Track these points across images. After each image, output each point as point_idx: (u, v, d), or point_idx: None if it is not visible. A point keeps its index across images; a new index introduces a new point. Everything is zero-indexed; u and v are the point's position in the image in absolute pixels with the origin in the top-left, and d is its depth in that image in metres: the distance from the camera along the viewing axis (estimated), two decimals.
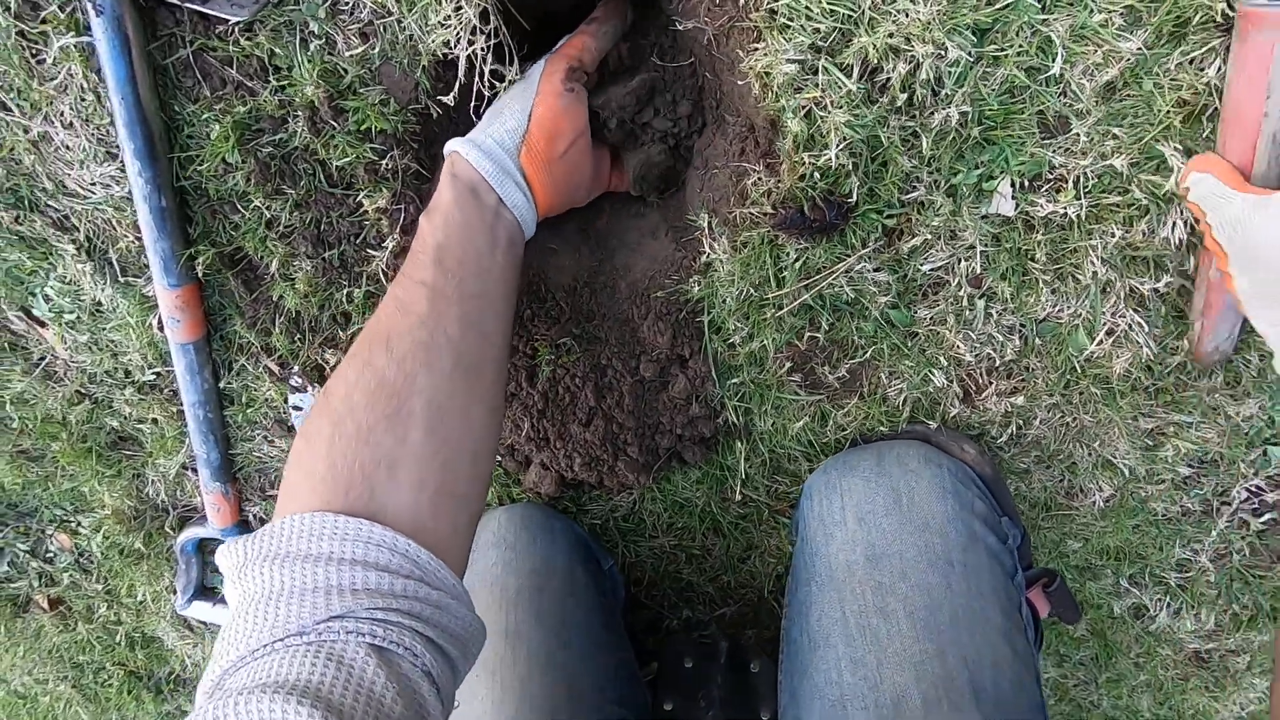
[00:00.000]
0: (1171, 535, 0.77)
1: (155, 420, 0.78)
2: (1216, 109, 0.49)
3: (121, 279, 0.68)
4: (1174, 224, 0.56)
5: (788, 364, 0.66)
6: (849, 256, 0.59)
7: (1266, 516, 0.75)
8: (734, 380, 0.67)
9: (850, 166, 0.54)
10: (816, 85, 0.50)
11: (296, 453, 0.45)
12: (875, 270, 0.60)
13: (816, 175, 0.53)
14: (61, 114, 0.59)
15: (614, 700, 0.70)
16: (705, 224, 0.60)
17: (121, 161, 0.60)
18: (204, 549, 0.94)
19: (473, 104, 0.56)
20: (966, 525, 0.62)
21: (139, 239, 0.65)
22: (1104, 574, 0.82)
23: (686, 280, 0.62)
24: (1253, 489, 0.73)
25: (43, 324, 0.73)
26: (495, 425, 0.51)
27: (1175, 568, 0.81)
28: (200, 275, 0.64)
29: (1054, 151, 0.54)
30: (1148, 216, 0.56)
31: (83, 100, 0.58)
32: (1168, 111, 0.51)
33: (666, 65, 0.60)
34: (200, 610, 0.98)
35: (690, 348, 0.64)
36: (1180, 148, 0.52)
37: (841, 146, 0.51)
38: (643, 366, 0.65)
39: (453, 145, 0.54)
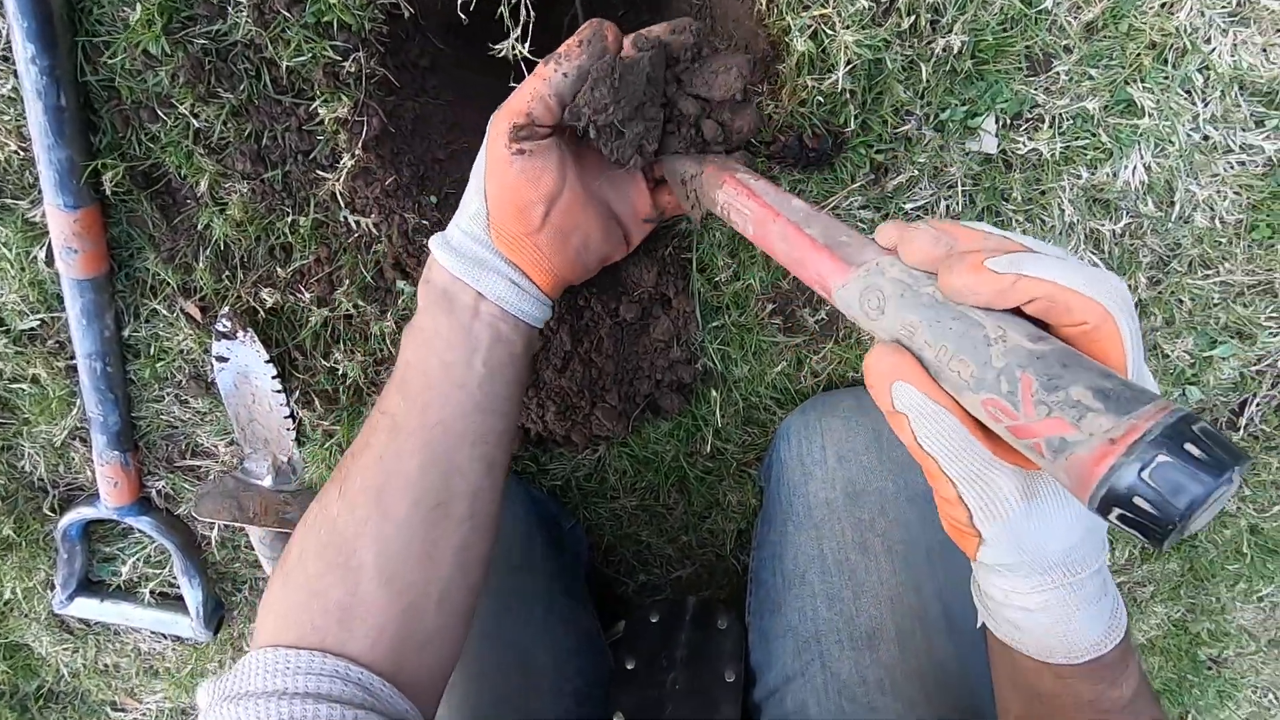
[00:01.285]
0: None
1: (36, 379, 0.66)
2: (1186, 50, 0.52)
3: None
4: (1134, 168, 0.59)
5: (770, 305, 0.64)
6: (838, 191, 0.58)
7: None
8: (715, 323, 0.65)
9: (849, 94, 0.53)
10: (827, 3, 0.49)
11: (263, 596, 0.45)
12: (862, 207, 0.60)
13: (818, 100, 0.52)
14: None
15: (574, 670, 0.67)
16: None
17: (5, 47, 0.49)
18: (92, 534, 0.81)
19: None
20: None
21: (24, 148, 0.54)
22: None
23: None
24: None
25: None
26: (471, 562, 0.46)
27: None
28: (106, 195, 0.54)
29: (1036, 89, 0.55)
30: (1111, 159, 0.59)
31: None
32: (1139, 54, 0.54)
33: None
34: (84, 608, 0.85)
35: (675, 287, 0.61)
36: (1150, 90, 0.54)
37: (849, 69, 0.50)
38: (623, 308, 0.62)
39: (432, 241, 0.48)
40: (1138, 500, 0.26)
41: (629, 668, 0.73)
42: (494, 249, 0.46)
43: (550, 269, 0.47)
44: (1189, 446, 0.25)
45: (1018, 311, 0.31)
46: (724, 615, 0.74)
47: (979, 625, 0.42)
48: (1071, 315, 0.30)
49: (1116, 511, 0.26)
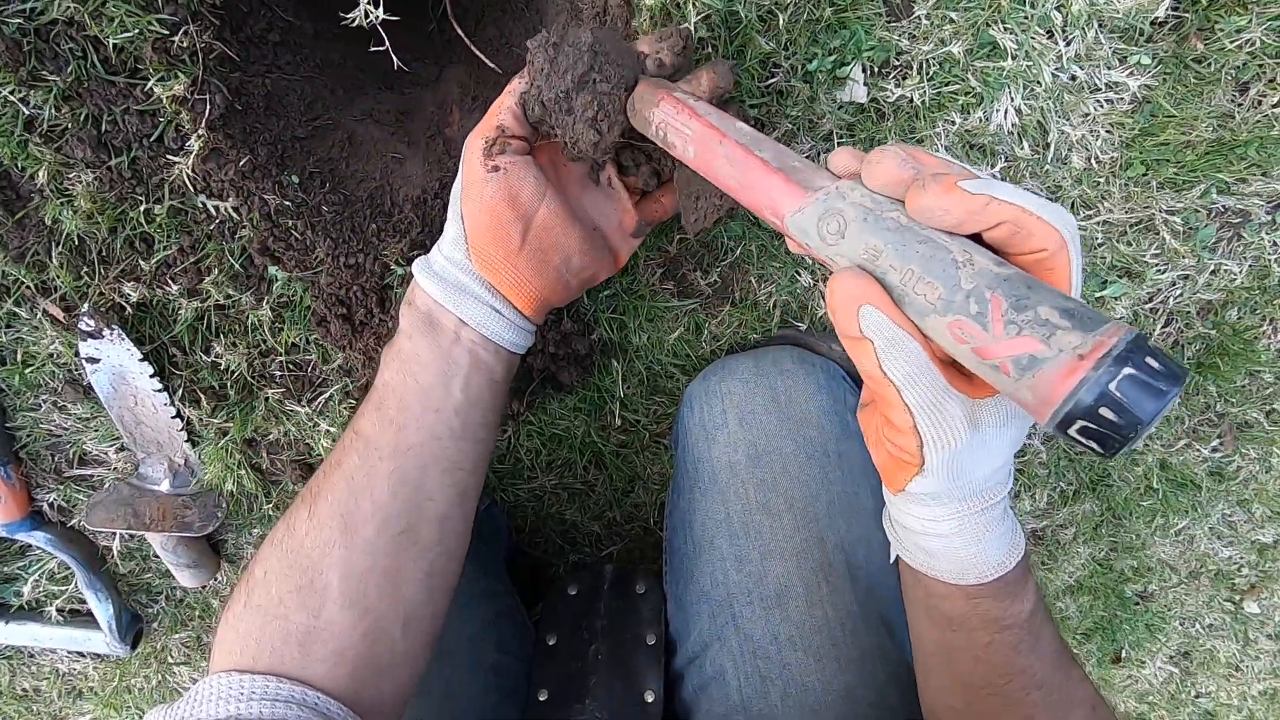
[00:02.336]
0: None
1: None
2: None
3: None
4: (1005, 110, 0.59)
5: (659, 270, 0.64)
6: None
7: None
8: (606, 292, 0.64)
9: (711, 46, 0.52)
10: None
11: (224, 612, 0.44)
12: None
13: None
14: None
15: (492, 646, 0.66)
16: None
17: None
18: None
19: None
20: (839, 418, 0.63)
21: None
22: None
23: None
24: None
25: None
26: (438, 588, 0.47)
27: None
28: None
29: (899, 35, 0.55)
30: (982, 103, 0.59)
31: None
32: None
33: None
34: None
35: None
36: (1012, 31, 0.55)
37: (700, 18, 0.49)
38: None
39: (415, 264, 0.47)
40: (1104, 411, 0.27)
41: (551, 644, 0.72)
42: (475, 273, 0.46)
43: (531, 291, 0.47)
44: (1149, 360, 0.27)
45: (975, 238, 0.32)
46: (641, 580, 0.74)
47: (892, 560, 0.43)
48: (1031, 242, 0.31)
49: (1079, 424, 0.27)
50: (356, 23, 0.51)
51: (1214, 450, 0.90)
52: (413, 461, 0.44)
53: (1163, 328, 0.78)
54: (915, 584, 0.43)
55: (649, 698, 0.67)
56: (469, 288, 0.46)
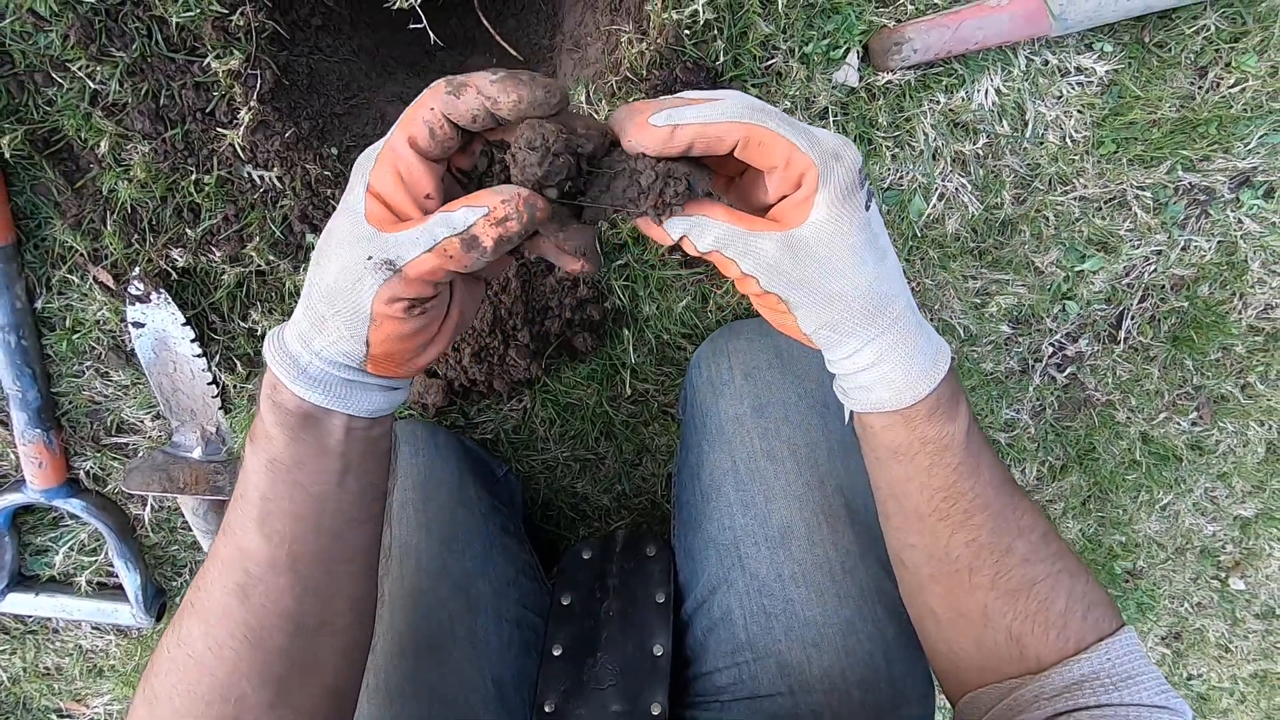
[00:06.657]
0: (1000, 396, 0.89)
1: None
2: None
3: None
4: (986, 91, 0.65)
5: None
6: None
7: (1068, 370, 0.89)
8: (619, 261, 0.69)
9: (716, 29, 0.57)
10: None
11: (129, 714, 0.42)
12: None
13: (685, 34, 0.56)
14: None
15: (515, 600, 0.69)
16: (583, 97, 0.62)
17: None
18: (21, 525, 0.81)
19: None
20: None
21: None
22: None
23: None
24: (1056, 344, 0.86)
25: None
26: (358, 659, 0.46)
27: (1004, 427, 0.93)
28: (7, 160, 0.56)
29: (886, 19, 0.61)
30: (964, 85, 0.65)
31: None
32: None
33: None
34: (19, 603, 0.84)
35: None
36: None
37: (706, 0, 0.55)
38: (525, 248, 0.65)
39: (269, 356, 0.39)
40: None
41: (565, 603, 0.75)
42: (364, 375, 0.40)
43: (426, 368, 0.45)
44: None
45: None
46: (652, 543, 0.77)
47: (847, 419, 0.46)
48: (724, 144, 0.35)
49: None
50: (398, 4, 0.56)
51: (1193, 424, 0.94)
52: (316, 566, 0.42)
53: (1139, 302, 0.83)
54: (865, 433, 0.46)
55: (657, 651, 0.70)
56: (360, 384, 0.40)
